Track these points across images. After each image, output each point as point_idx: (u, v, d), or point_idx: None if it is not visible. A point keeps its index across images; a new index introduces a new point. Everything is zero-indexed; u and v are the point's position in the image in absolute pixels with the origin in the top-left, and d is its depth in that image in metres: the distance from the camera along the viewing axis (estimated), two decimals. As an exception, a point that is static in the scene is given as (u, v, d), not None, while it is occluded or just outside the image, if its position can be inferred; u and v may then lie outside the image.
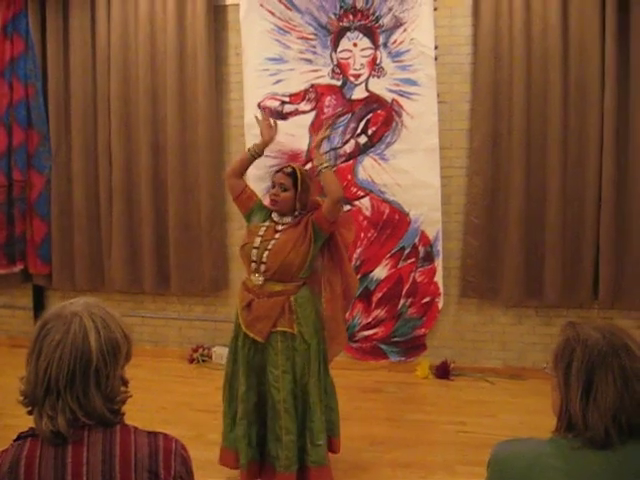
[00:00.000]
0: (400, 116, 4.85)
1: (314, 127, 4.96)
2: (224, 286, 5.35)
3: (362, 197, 4.98)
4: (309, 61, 4.96)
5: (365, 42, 4.88)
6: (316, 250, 3.22)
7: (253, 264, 3.17)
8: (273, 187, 3.23)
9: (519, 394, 4.64)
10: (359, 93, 4.92)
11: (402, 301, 5.00)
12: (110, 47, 5.23)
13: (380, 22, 4.83)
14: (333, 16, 4.90)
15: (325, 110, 4.97)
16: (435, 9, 4.76)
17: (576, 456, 1.41)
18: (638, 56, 4.46)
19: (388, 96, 4.86)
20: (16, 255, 5.54)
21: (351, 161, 4.97)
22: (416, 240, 4.94)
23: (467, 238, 4.90)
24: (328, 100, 4.97)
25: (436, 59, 4.76)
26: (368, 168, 4.95)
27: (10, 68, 5.36)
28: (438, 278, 4.95)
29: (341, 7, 4.88)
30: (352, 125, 4.95)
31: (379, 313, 5.05)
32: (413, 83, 4.80)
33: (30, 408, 1.43)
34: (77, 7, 5.28)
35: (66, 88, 5.39)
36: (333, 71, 4.94)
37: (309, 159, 4.85)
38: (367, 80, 4.90)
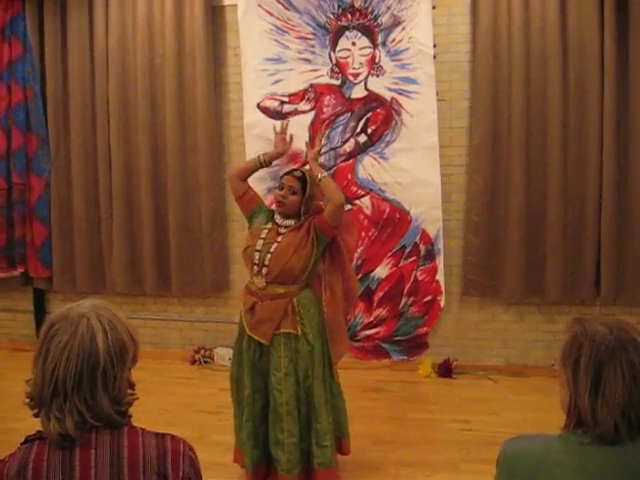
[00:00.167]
0: (399, 115, 4.85)
1: (314, 127, 4.96)
2: (225, 287, 5.34)
3: (362, 196, 4.97)
4: (308, 61, 4.96)
5: (364, 41, 4.87)
6: (318, 254, 3.21)
7: (255, 267, 3.17)
8: (281, 189, 3.23)
9: (522, 392, 4.64)
10: (358, 92, 4.92)
11: (404, 300, 5.00)
12: (108, 50, 5.22)
13: (379, 21, 4.82)
14: (331, 15, 4.89)
15: (324, 109, 4.96)
16: (433, 7, 4.76)
17: (585, 452, 1.41)
18: (637, 53, 4.46)
19: (387, 95, 4.86)
20: (16, 258, 5.52)
21: (351, 160, 4.96)
22: (417, 238, 4.93)
23: (468, 236, 4.90)
24: (327, 99, 4.96)
25: (435, 57, 4.76)
26: (368, 167, 4.94)
27: (8, 71, 5.34)
28: (439, 276, 4.95)
29: (339, 6, 4.87)
30: (352, 124, 4.95)
31: (381, 312, 5.04)
32: (412, 82, 4.80)
33: (36, 411, 1.43)
34: (75, 10, 5.26)
35: (65, 91, 5.37)
36: (332, 70, 4.94)
37: (305, 162, 4.84)
38: (366, 79, 4.90)
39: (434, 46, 4.76)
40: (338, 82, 4.95)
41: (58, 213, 5.45)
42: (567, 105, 4.63)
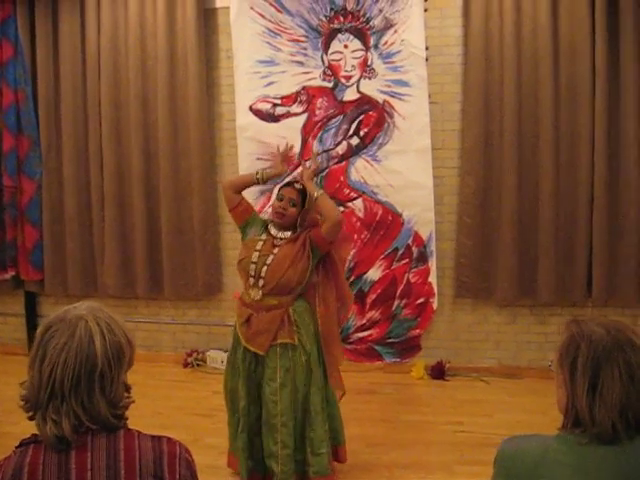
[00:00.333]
0: (392, 117, 4.86)
1: (306, 130, 4.97)
2: (218, 290, 5.33)
3: (355, 199, 4.98)
4: (300, 63, 4.96)
5: (356, 44, 4.88)
6: (313, 266, 3.22)
7: (251, 279, 3.16)
8: (280, 200, 3.22)
9: (515, 393, 4.65)
10: (350, 95, 4.93)
11: (396, 302, 5.00)
12: (100, 51, 5.20)
13: (371, 23, 4.83)
14: (324, 18, 4.90)
15: (317, 112, 4.97)
16: (425, 10, 4.77)
17: (584, 452, 1.41)
18: (628, 56, 4.49)
19: (379, 97, 4.87)
20: (7, 261, 5.49)
21: (343, 163, 4.97)
22: (409, 241, 4.94)
23: (460, 238, 4.91)
24: (320, 102, 4.97)
25: (427, 60, 4.77)
26: (360, 169, 4.95)
27: (-1, 73, 5.33)
28: (432, 278, 4.96)
29: (331, 9, 4.88)
30: (344, 127, 4.95)
31: (373, 314, 5.04)
32: (404, 84, 4.81)
33: (31, 413, 1.41)
34: (66, 11, 5.24)
35: (56, 93, 5.35)
36: (324, 73, 4.94)
37: (299, 163, 4.85)
38: (358, 81, 4.90)
39: (426, 49, 4.77)
40: (330, 85, 4.95)
41: (49, 216, 5.42)
42: (558, 107, 4.66)
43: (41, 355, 1.39)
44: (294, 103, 5.00)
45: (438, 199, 4.91)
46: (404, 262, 4.96)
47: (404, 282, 4.97)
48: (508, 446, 1.50)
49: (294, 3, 4.91)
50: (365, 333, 5.06)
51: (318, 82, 4.95)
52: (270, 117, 5.01)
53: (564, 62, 4.62)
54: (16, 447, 1.43)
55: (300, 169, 3.72)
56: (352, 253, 4.94)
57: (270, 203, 4.83)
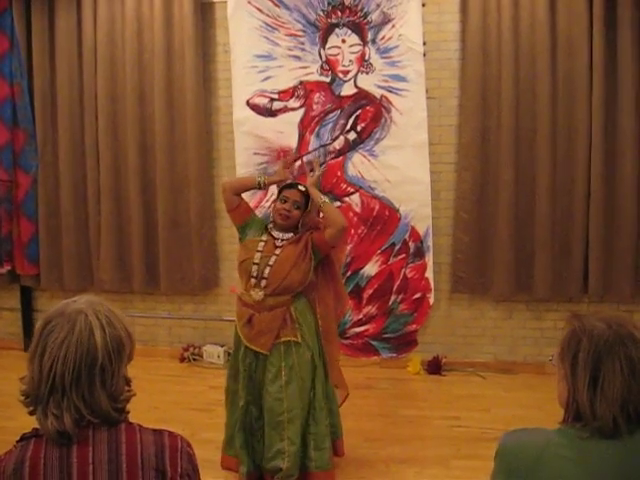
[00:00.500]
0: (389, 112, 4.85)
1: (303, 124, 4.96)
2: (214, 284, 5.33)
3: (352, 193, 4.97)
4: (298, 58, 4.94)
5: (353, 38, 4.87)
6: (312, 267, 3.25)
7: (253, 279, 3.17)
8: (284, 202, 3.23)
9: (511, 388, 4.67)
10: (348, 89, 4.92)
11: (393, 297, 5.00)
12: (97, 45, 5.17)
13: (368, 18, 4.82)
14: (321, 13, 4.88)
15: (314, 107, 4.96)
16: (423, 5, 4.76)
17: (585, 445, 1.41)
18: (626, 50, 4.49)
19: (377, 92, 4.86)
20: (3, 256, 5.46)
21: (340, 157, 4.96)
22: (406, 236, 4.94)
23: (457, 233, 4.92)
24: (317, 97, 4.95)
25: (425, 55, 4.76)
26: (357, 164, 4.94)
27: (-5, 66, 5.30)
28: (429, 274, 4.96)
29: (329, 4, 4.86)
30: (341, 121, 4.94)
31: (370, 309, 5.05)
32: (402, 79, 4.80)
33: (32, 408, 1.41)
34: (63, 4, 5.20)
35: (52, 86, 5.32)
36: (322, 68, 4.93)
37: (298, 157, 4.84)
38: (356, 76, 4.89)
39: (424, 44, 4.76)
40: (328, 79, 4.94)
41: (45, 210, 5.40)
42: (556, 102, 4.66)
43: (41, 349, 1.38)
44: (291, 98, 4.99)
45: (435, 194, 4.91)
46: (401, 257, 4.96)
47: (401, 277, 4.98)
48: (509, 440, 1.50)
49: (292, -3, 4.90)
50: (362, 328, 5.06)
51: (315, 77, 4.94)
52: (267, 112, 4.99)
53: (561, 57, 4.62)
54: (17, 441, 1.42)
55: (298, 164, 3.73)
56: (349, 248, 4.94)
57: (266, 199, 4.85)
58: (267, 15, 4.94)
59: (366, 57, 4.86)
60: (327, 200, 3.31)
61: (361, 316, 5.06)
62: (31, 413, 1.41)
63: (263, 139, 4.99)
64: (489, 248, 4.86)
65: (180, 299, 5.45)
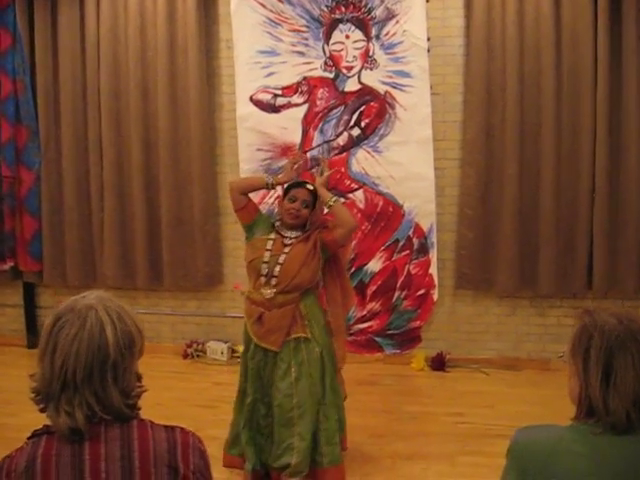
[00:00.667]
0: (393, 108, 4.84)
1: (307, 120, 4.95)
2: (218, 281, 5.32)
3: (356, 190, 4.96)
4: (301, 53, 4.93)
5: (357, 34, 4.86)
6: (321, 265, 3.28)
7: (263, 278, 3.17)
8: (293, 201, 3.22)
9: (515, 384, 4.66)
10: (352, 85, 4.91)
11: (397, 293, 5.00)
12: (99, 40, 5.16)
13: (372, 14, 4.81)
14: (325, 8, 4.87)
15: (318, 103, 4.95)
16: (427, 1, 4.74)
17: (598, 441, 1.41)
18: (630, 45, 4.48)
19: (381, 88, 4.85)
20: (6, 252, 5.46)
21: (344, 154, 4.95)
22: (410, 232, 4.93)
23: (461, 230, 4.91)
24: (321, 92, 4.94)
25: (429, 51, 4.75)
26: (361, 160, 4.93)
27: (-2, 62, 5.29)
28: (433, 270, 4.95)
29: (333, -1, 4.86)
30: (345, 117, 4.93)
31: (374, 306, 5.04)
32: (406, 75, 4.79)
33: (42, 405, 1.40)
34: (66, 0, 5.19)
35: (55, 82, 5.31)
36: (325, 63, 4.92)
37: (305, 156, 4.82)
38: (360, 72, 4.88)
39: (428, 39, 4.75)
40: (332, 75, 4.93)
41: (48, 206, 5.40)
42: (560, 97, 4.65)
43: (52, 346, 1.37)
44: (295, 94, 4.98)
45: (439, 190, 4.91)
46: (405, 253, 4.96)
47: (405, 273, 4.97)
48: (521, 437, 1.49)
49: (295, -7, 4.88)
50: (365, 324, 5.06)
51: (319, 72, 4.93)
52: (271, 108, 4.98)
53: (566, 51, 4.61)
54: (28, 438, 1.42)
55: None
56: (352, 244, 4.93)
57: (270, 195, 4.84)
58: (270, 10, 4.93)
59: (370, 53, 4.85)
60: (337, 199, 3.32)
61: (365, 312, 5.05)
62: (42, 410, 1.40)
63: (267, 135, 4.99)
64: (493, 244, 4.85)
65: (184, 295, 5.45)
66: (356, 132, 4.92)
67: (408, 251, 4.95)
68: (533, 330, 4.97)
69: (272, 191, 4.68)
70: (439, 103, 4.86)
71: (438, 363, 4.98)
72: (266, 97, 4.99)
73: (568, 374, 1.54)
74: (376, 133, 4.89)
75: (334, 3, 4.85)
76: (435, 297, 4.98)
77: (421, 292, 4.98)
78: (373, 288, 5.02)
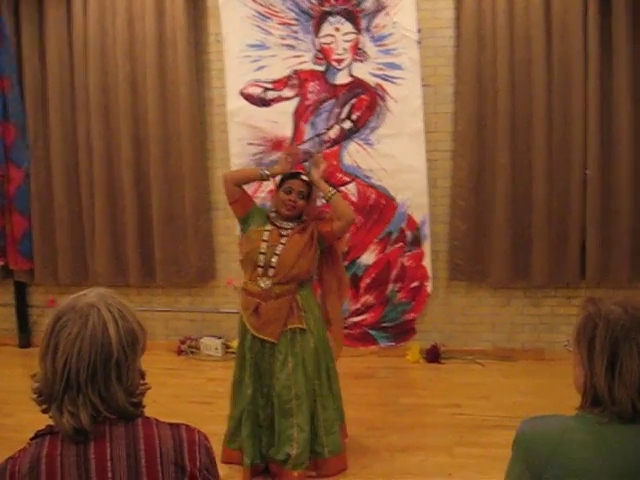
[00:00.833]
0: (384, 100, 4.83)
1: (298, 113, 4.93)
2: (210, 276, 5.30)
3: (348, 183, 4.95)
4: (291, 47, 4.90)
5: (347, 26, 4.83)
6: (317, 256, 3.30)
7: (260, 269, 3.16)
8: (289, 193, 3.22)
9: (510, 375, 4.68)
10: (342, 78, 4.89)
11: (390, 286, 5.00)
12: (87, 35, 5.10)
13: (362, 6, 4.78)
14: (314, 1, 4.83)
15: (308, 96, 4.92)
16: (417, -8, 4.73)
17: (604, 430, 1.41)
18: (621, 34, 4.48)
19: (372, 80, 4.83)
20: (-4, 251, 5.42)
21: (336, 147, 4.93)
22: (403, 224, 4.93)
23: (454, 221, 4.91)
24: (311, 86, 4.92)
25: (419, 42, 4.74)
26: (353, 153, 4.92)
27: (-16, 60, 5.22)
28: (426, 262, 4.95)
29: (322, -9, 4.83)
30: (336, 110, 4.91)
31: (368, 299, 5.04)
32: (397, 67, 4.77)
33: (45, 406, 1.38)
34: (52, -6, 5.15)
35: (43, 79, 5.26)
36: (316, 56, 4.89)
37: (299, 148, 4.80)
38: (350, 65, 4.86)
39: (418, 31, 4.73)
40: (322, 68, 4.91)
41: (38, 204, 5.35)
42: (551, 86, 4.65)
43: (54, 346, 1.34)
44: (285, 87, 4.95)
45: (431, 182, 4.90)
46: (398, 246, 4.96)
47: (398, 266, 4.97)
48: (527, 427, 1.49)
49: (284, -15, 4.85)
50: (359, 317, 5.06)
51: (309, 66, 4.91)
52: (261, 101, 4.96)
53: (556, 40, 4.61)
54: (31, 439, 1.39)
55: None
56: (348, 236, 4.92)
57: (262, 188, 4.81)
58: (259, 4, 4.89)
59: (360, 45, 4.83)
60: (335, 192, 3.32)
61: (359, 305, 5.05)
62: (44, 411, 1.38)
63: (257, 129, 4.96)
64: (486, 235, 4.86)
65: (176, 292, 5.42)
66: (347, 125, 4.91)
67: (401, 243, 4.95)
68: (527, 320, 4.98)
69: (264, 184, 4.69)
70: (430, 95, 4.85)
71: (433, 355, 4.98)
72: (256, 91, 4.96)
73: (573, 363, 1.54)
74: (367, 126, 4.87)
75: (323, -5, 4.82)
76: (429, 289, 4.99)
77: (415, 284, 4.98)
78: (367, 281, 5.02)
